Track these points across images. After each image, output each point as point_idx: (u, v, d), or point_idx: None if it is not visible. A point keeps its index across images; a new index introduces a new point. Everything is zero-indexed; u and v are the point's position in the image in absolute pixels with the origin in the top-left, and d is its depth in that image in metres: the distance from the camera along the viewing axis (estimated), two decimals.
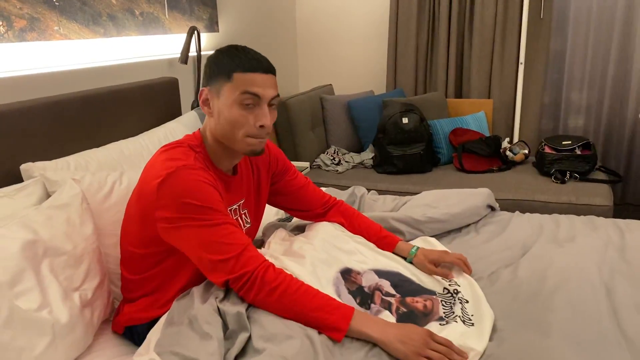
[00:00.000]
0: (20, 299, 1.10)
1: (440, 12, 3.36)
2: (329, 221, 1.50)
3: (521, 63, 3.19)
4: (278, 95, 1.24)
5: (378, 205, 1.86)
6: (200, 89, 1.27)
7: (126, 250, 1.33)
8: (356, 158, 3.13)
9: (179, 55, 2.31)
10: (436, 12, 3.40)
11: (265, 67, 1.21)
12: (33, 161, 1.54)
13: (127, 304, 1.36)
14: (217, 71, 1.21)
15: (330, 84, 3.62)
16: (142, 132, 1.95)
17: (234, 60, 1.19)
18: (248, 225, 1.41)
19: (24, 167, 1.52)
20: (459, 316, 1.26)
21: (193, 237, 1.15)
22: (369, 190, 2.07)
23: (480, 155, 2.96)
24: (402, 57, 3.51)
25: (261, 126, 1.20)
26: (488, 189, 1.90)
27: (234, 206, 1.35)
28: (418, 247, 1.45)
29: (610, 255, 1.48)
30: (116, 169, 1.67)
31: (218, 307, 1.14)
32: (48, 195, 1.47)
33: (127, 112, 1.94)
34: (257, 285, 1.12)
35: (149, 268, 1.29)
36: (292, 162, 2.83)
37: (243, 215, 1.39)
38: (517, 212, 1.89)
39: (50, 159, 1.57)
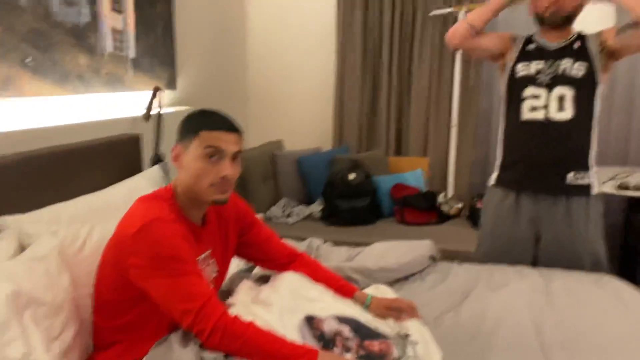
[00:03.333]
0: (6, 348, 1.16)
1: (381, 78, 3.68)
2: (293, 271, 1.64)
3: (453, 126, 3.52)
4: (241, 151, 1.40)
5: (334, 256, 2.02)
6: (173, 146, 1.42)
7: (100, 297, 1.41)
8: (305, 210, 3.30)
9: (141, 113, 2.43)
10: (377, 78, 3.72)
11: (228, 126, 1.38)
12: (6, 214, 1.60)
13: (99, 352, 1.42)
14: (187, 130, 1.38)
15: (281, 140, 3.81)
16: (107, 186, 2.03)
17: (202, 121, 1.37)
18: (215, 275, 1.53)
19: None
20: (411, 357, 1.41)
21: (162, 285, 1.26)
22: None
23: (419, 209, 3.20)
24: (347, 117, 3.78)
25: (223, 177, 1.35)
26: (430, 241, 2.11)
27: (202, 255, 1.47)
28: (372, 295, 1.61)
29: (537, 299, 1.70)
30: (86, 222, 1.74)
31: (199, 353, 1.24)
32: (22, 247, 1.52)
33: (93, 167, 2.02)
34: (221, 334, 1.23)
35: (122, 314, 1.37)
36: None
37: (211, 265, 1.51)
38: (456, 261, 2.10)
39: (23, 212, 1.63)
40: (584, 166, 1.95)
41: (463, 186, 3.62)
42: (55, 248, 1.47)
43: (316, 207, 3.30)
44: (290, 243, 2.06)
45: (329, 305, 1.54)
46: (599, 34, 1.96)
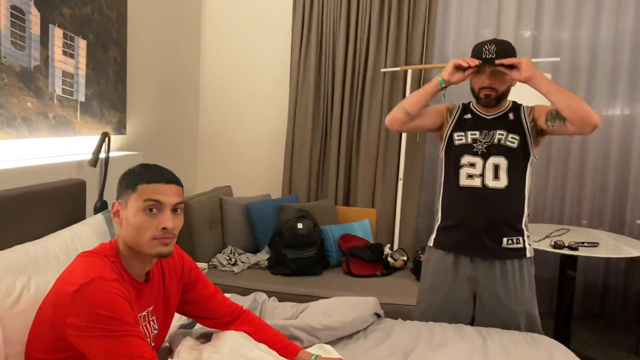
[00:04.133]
0: None
1: (332, 129, 3.77)
2: (235, 330, 1.62)
3: (400, 179, 3.63)
4: (182, 203, 1.41)
5: (278, 312, 2.02)
6: (112, 202, 1.41)
7: (33, 356, 1.35)
8: (252, 259, 3.27)
9: (88, 157, 2.38)
10: (328, 129, 3.82)
11: (167, 178, 1.39)
12: None
13: None
14: (125, 185, 1.39)
15: (229, 186, 3.80)
16: (47, 233, 1.97)
17: (139, 175, 1.38)
18: (155, 332, 1.50)
19: None
20: None
21: (101, 346, 1.23)
22: (263, 292, 2.23)
23: (366, 261, 3.24)
24: (297, 166, 3.83)
25: (164, 228, 1.35)
26: (375, 298, 2.14)
27: (144, 312, 1.44)
28: (316, 356, 1.61)
29: (475, 359, 1.75)
30: (22, 272, 1.67)
31: None
32: None
33: (34, 213, 1.96)
34: None
35: None
36: None
37: (152, 322, 1.48)
38: (399, 319, 2.14)
39: None
40: (517, 231, 2.06)
41: (408, 239, 3.71)
42: None
43: (263, 256, 3.28)
44: (234, 298, 2.05)
45: None
46: (532, 109, 2.09)
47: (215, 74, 4.01)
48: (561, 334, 3.09)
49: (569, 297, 3.13)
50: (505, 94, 2.06)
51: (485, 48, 2.00)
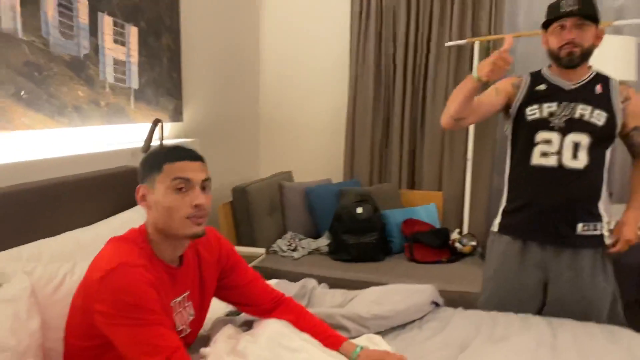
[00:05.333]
0: None
1: (394, 109, 3.60)
2: (277, 318, 1.55)
3: (468, 159, 3.40)
4: (209, 179, 1.35)
5: (327, 299, 1.92)
6: (137, 187, 1.36)
7: (69, 343, 1.35)
8: (312, 244, 3.20)
9: (142, 145, 2.39)
10: (390, 110, 3.64)
11: (191, 155, 1.34)
12: None
13: None
14: (148, 168, 1.34)
15: (290, 171, 3.75)
16: (99, 220, 1.99)
17: (163, 155, 1.33)
18: (192, 318, 1.45)
19: None
20: None
21: (125, 334, 1.19)
22: (322, 278, 2.14)
23: (431, 246, 3.07)
24: (359, 149, 3.70)
25: (196, 206, 1.28)
26: (432, 285, 1.99)
27: (179, 298, 1.39)
28: (362, 347, 1.50)
29: (541, 354, 1.56)
30: (70, 259, 1.69)
31: None
32: None
33: (86, 201, 1.98)
34: None
35: None
36: (248, 248, 2.90)
37: (187, 308, 1.43)
38: (459, 308, 1.97)
39: (4, 249, 1.58)
40: (595, 216, 1.83)
41: (478, 223, 3.48)
42: (26, 289, 1.42)
43: (323, 242, 3.20)
44: (282, 284, 1.98)
45: (313, 357, 1.43)
46: (627, 93, 1.82)
47: (274, 58, 3.95)
48: None
49: None
50: (589, 51, 1.81)
51: (564, 1, 1.76)
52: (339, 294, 1.97)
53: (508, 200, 1.96)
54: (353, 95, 3.68)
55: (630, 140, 1.85)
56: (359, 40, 3.63)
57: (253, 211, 3.12)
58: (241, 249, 2.82)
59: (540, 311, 1.94)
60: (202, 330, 1.57)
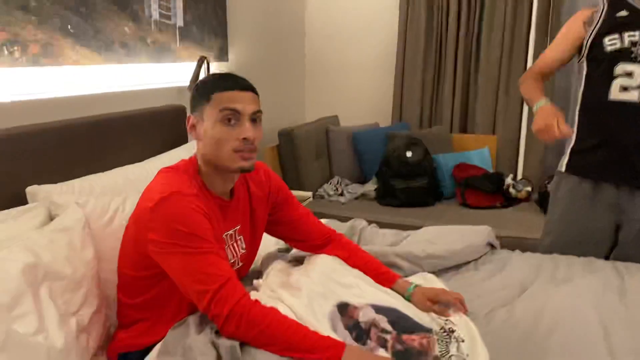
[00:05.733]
0: (18, 322, 1.11)
1: (447, 49, 3.42)
2: (328, 254, 1.51)
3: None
4: (260, 111, 1.28)
5: (378, 240, 1.87)
6: (187, 116, 1.31)
7: (122, 273, 1.35)
8: (359, 189, 3.15)
9: (188, 84, 2.35)
10: (442, 49, 3.46)
11: (241, 85, 1.26)
12: (39, 184, 1.57)
13: (122, 330, 1.37)
14: (198, 97, 1.28)
15: (336, 115, 3.66)
16: (148, 158, 1.98)
17: (212, 84, 1.27)
18: (243, 252, 1.43)
19: (30, 190, 1.54)
20: (454, 355, 1.25)
21: (178, 263, 1.17)
22: (370, 222, 2.08)
23: (484, 191, 2.97)
24: (408, 91, 3.56)
25: (245, 139, 1.23)
26: (489, 226, 1.91)
27: (230, 232, 1.37)
28: (416, 285, 1.45)
29: (608, 297, 1.47)
30: (120, 193, 1.68)
31: (213, 339, 1.14)
32: (51, 218, 1.49)
33: (134, 138, 1.97)
34: (237, 321, 1.12)
35: (143, 292, 1.30)
36: (295, 191, 2.87)
37: (239, 241, 1.41)
38: (517, 250, 1.89)
39: (56, 182, 1.59)
40: None
41: (534, 168, 3.32)
42: (80, 220, 1.42)
43: (370, 187, 3.14)
44: (331, 224, 1.93)
45: (365, 293, 1.39)
46: None
47: None
48: None
49: None
50: None
51: None
52: (390, 234, 1.91)
53: (579, 138, 1.82)
54: (403, 34, 3.51)
55: None
56: None
57: (299, 155, 3.08)
58: None
59: (608, 257, 1.83)
60: (253, 265, 1.56)
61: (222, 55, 2.79)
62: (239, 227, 1.40)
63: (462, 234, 1.83)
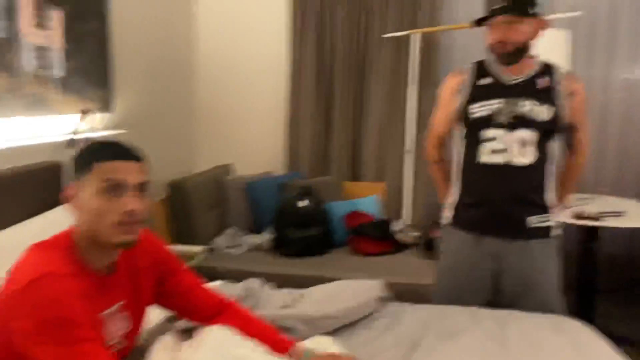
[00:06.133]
0: None
1: (335, 101, 3.56)
2: (221, 324, 1.45)
3: (408, 150, 3.40)
4: (147, 181, 1.21)
5: (274, 300, 1.84)
6: (66, 186, 1.22)
7: None
8: (254, 240, 3.10)
9: (66, 138, 2.21)
10: (331, 101, 3.60)
11: (125, 154, 1.20)
12: None
13: None
14: (78, 167, 1.19)
15: (229, 164, 3.62)
16: (19, 221, 1.81)
17: (93, 153, 1.19)
18: (128, 329, 1.33)
19: None
20: None
21: (49, 355, 1.05)
22: (266, 275, 2.06)
23: (374, 238, 3.05)
24: (301, 140, 3.63)
25: (128, 213, 1.16)
26: (380, 280, 1.96)
27: (112, 309, 1.26)
28: (310, 351, 1.44)
29: (491, 348, 1.56)
30: None
31: None
32: None
33: (4, 199, 1.79)
34: None
35: None
36: (186, 246, 2.77)
37: (122, 318, 1.31)
38: (407, 303, 1.95)
39: None
40: (544, 209, 1.86)
41: (420, 213, 3.50)
42: None
43: (266, 237, 3.11)
44: (226, 286, 1.88)
45: None
46: (573, 88, 1.82)
47: (209, 45, 3.78)
48: (585, 309, 2.89)
49: (593, 270, 2.93)
50: (525, 46, 1.78)
51: None
52: (285, 294, 1.89)
53: (460, 196, 1.95)
54: (293, 85, 3.60)
55: (567, 135, 1.87)
56: (297, 28, 3.55)
57: (191, 207, 2.99)
58: (179, 248, 2.68)
59: (492, 300, 1.95)
60: (140, 340, 1.45)
61: (106, 106, 2.66)
62: (121, 303, 1.30)
63: (355, 289, 1.86)
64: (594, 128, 3.45)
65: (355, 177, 3.65)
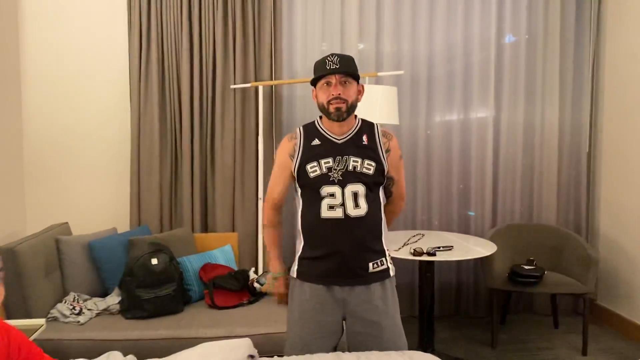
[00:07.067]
0: None
1: (182, 151, 3.51)
2: None
3: (260, 198, 3.48)
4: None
5: None
6: None
7: None
8: (100, 304, 2.88)
9: None
10: (178, 151, 3.55)
11: None
12: None
13: None
14: None
15: (66, 223, 3.32)
16: None
17: None
18: None
19: None
20: None
21: None
22: (116, 342, 1.92)
23: (231, 290, 3.04)
24: (146, 193, 3.50)
25: None
26: (247, 339, 1.96)
27: None
28: None
29: None
30: None
31: None
32: None
33: None
34: None
35: None
36: (22, 320, 2.48)
37: None
38: (275, 357, 1.97)
39: None
40: (380, 253, 2.03)
41: None
42: None
43: (113, 300, 2.90)
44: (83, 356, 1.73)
45: None
46: (389, 143, 2.05)
47: (40, 89, 3.49)
48: (426, 336, 3.18)
49: (430, 299, 3.24)
50: (354, 105, 2.00)
51: (328, 60, 1.95)
52: None
53: (304, 249, 2.05)
54: (136, 134, 3.48)
55: (385, 185, 2.10)
56: (139, 77, 3.47)
57: (24, 274, 2.68)
58: (14, 323, 2.38)
59: (337, 343, 2.07)
60: None
61: None
62: None
63: (222, 352, 1.83)
64: (422, 172, 3.88)
65: (207, 228, 3.61)
